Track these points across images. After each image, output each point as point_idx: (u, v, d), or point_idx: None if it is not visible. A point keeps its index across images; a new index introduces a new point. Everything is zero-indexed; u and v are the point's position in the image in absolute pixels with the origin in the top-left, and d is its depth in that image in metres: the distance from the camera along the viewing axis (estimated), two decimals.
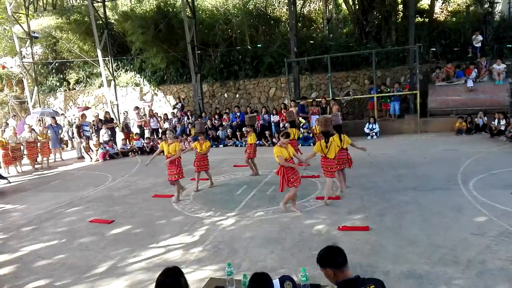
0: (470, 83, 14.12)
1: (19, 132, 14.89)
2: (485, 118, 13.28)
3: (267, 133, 15.20)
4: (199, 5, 20.67)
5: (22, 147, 14.55)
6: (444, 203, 6.81)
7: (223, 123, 16.56)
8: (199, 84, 18.65)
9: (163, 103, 21.18)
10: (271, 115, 15.90)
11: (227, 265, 3.54)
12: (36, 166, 14.68)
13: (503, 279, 4.29)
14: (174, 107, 19.22)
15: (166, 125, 17.37)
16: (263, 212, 7.20)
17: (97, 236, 6.74)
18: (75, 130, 15.98)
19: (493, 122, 12.55)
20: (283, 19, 20.48)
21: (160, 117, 17.95)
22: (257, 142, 14.61)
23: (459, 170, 8.80)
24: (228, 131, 15.99)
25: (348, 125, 14.86)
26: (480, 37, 15.31)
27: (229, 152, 14.37)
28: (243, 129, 15.45)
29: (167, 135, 8.66)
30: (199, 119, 17.17)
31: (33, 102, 21.93)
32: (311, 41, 18.21)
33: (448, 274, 4.47)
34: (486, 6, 16.72)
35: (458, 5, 18.76)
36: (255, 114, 15.67)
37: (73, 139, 16.86)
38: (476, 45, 15.40)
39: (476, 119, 13.43)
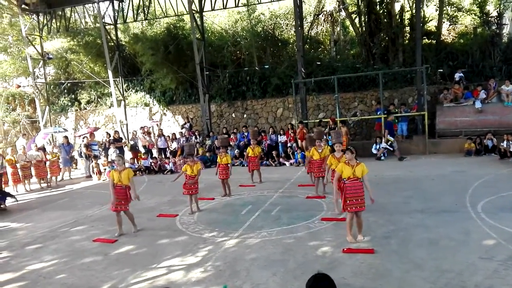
0: (478, 104, 14.04)
1: (28, 150, 15.08)
2: (494, 139, 13.11)
3: (274, 153, 15.17)
4: (208, 27, 21.05)
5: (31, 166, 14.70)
6: (451, 226, 6.68)
7: (231, 143, 16.59)
8: (207, 104, 18.82)
9: (172, 123, 21.38)
10: (279, 135, 15.91)
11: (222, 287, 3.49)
12: (43, 185, 14.79)
13: None
14: (182, 127, 19.37)
15: (174, 144, 17.46)
16: (267, 233, 7.12)
17: (100, 255, 6.71)
18: (83, 149, 16.16)
19: (502, 144, 12.36)
20: (291, 41, 20.71)
21: (168, 136, 18.07)
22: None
23: (468, 192, 8.64)
24: (235, 151, 16.00)
25: (355, 146, 14.79)
26: (461, 74, 15.50)
27: (236, 171, 14.21)
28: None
29: (116, 162, 7.74)
30: (206, 138, 17.34)
31: (44, 121, 22.31)
32: (318, 62, 18.36)
33: None
34: (493, 27, 16.78)
35: (466, 26, 18.79)
36: (258, 129, 15.81)
37: (82, 158, 17.03)
38: (457, 79, 15.51)
39: (485, 141, 13.27)
